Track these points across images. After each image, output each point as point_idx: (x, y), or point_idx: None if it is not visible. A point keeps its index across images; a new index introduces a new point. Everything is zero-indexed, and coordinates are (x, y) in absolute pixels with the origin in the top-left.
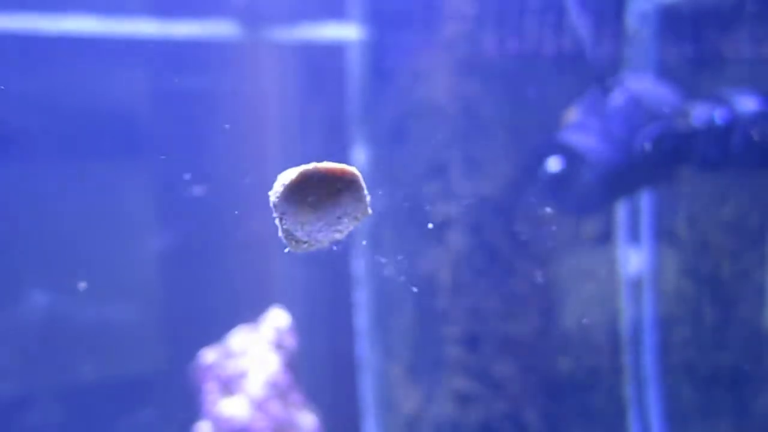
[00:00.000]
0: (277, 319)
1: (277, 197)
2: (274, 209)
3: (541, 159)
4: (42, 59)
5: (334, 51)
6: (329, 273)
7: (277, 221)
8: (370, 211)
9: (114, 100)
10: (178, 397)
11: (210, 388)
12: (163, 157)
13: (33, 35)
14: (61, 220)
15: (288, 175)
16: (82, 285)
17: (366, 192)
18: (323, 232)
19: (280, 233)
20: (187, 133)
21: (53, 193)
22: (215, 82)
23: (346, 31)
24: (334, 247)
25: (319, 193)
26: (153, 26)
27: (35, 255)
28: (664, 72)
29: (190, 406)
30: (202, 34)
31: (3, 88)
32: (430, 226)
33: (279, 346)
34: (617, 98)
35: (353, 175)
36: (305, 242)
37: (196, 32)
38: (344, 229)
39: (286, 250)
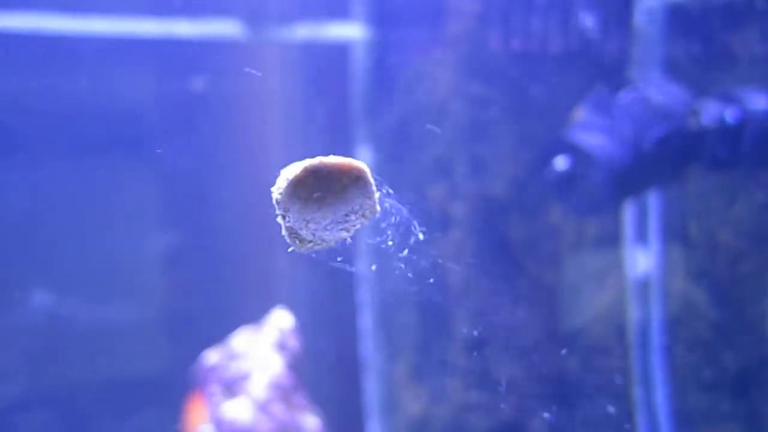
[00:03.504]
0: (281, 319)
1: (280, 193)
2: (276, 206)
3: (548, 158)
4: (46, 59)
5: (337, 50)
6: (332, 273)
7: (279, 219)
8: (378, 208)
9: (117, 100)
10: (181, 399)
11: (213, 390)
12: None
13: (37, 35)
14: (63, 221)
15: (291, 170)
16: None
17: (374, 188)
18: (329, 231)
19: (283, 232)
20: (191, 132)
21: (55, 193)
22: (219, 81)
23: (350, 31)
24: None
25: (324, 189)
26: (157, 26)
27: (37, 256)
28: (672, 70)
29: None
30: (206, 34)
31: (5, 87)
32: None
33: (282, 347)
34: (625, 97)
35: (360, 170)
36: (310, 241)
37: (201, 32)
38: (351, 227)
39: (290, 249)
